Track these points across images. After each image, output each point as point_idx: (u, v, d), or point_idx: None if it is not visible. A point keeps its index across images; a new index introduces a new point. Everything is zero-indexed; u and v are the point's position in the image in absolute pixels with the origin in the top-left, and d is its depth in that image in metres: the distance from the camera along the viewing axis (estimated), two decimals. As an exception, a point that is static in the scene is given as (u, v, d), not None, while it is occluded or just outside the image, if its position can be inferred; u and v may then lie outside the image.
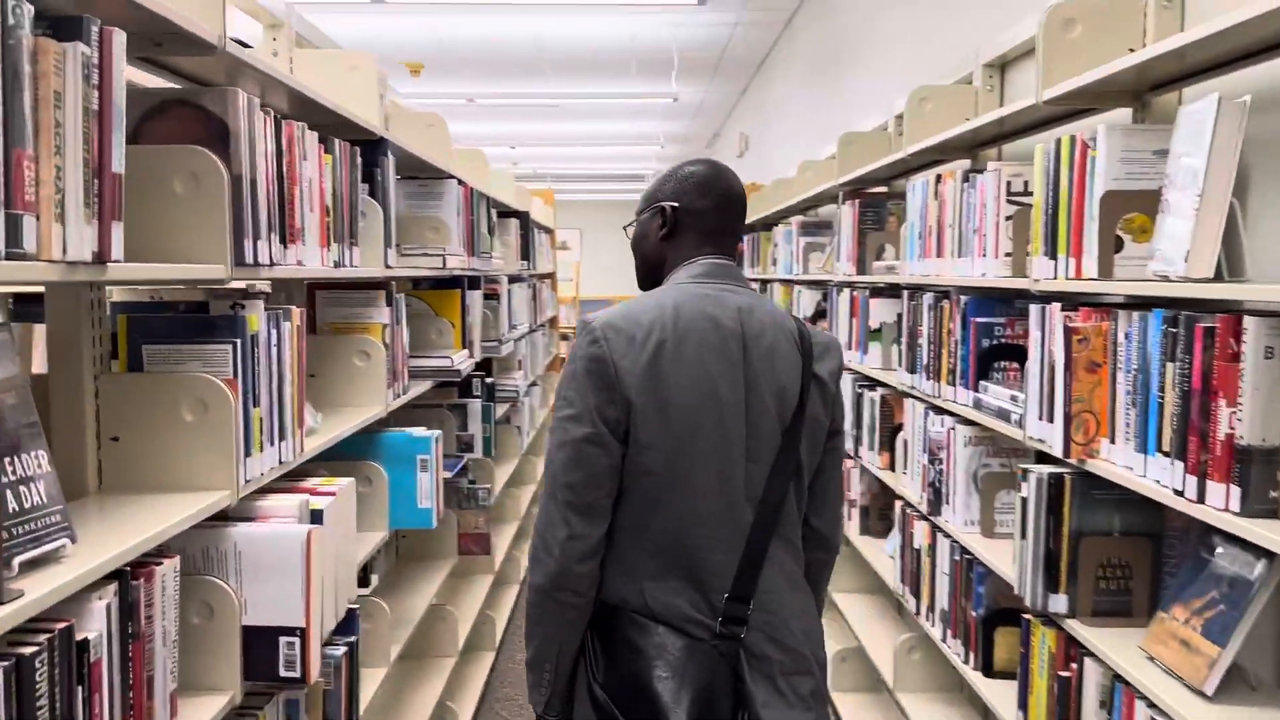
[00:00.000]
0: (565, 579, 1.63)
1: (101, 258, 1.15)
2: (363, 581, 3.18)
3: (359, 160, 2.32)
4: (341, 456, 2.50)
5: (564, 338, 9.52)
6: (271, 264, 1.74)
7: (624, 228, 1.91)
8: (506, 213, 5.18)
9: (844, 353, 2.09)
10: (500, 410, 4.60)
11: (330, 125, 2.43)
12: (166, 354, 1.60)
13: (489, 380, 3.67)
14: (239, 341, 1.60)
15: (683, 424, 1.62)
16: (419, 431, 2.60)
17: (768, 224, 5.80)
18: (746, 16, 7.08)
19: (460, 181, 3.55)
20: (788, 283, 5.04)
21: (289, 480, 1.97)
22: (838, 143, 3.85)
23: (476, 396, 3.53)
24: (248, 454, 1.63)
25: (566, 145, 12.65)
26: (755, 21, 7.22)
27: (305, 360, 1.90)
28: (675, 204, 1.77)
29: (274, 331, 1.75)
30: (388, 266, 2.55)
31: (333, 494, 1.88)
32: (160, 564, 1.37)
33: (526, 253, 5.39)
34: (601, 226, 17.63)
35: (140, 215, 1.54)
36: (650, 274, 1.82)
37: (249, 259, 1.61)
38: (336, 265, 2.15)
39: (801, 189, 4.73)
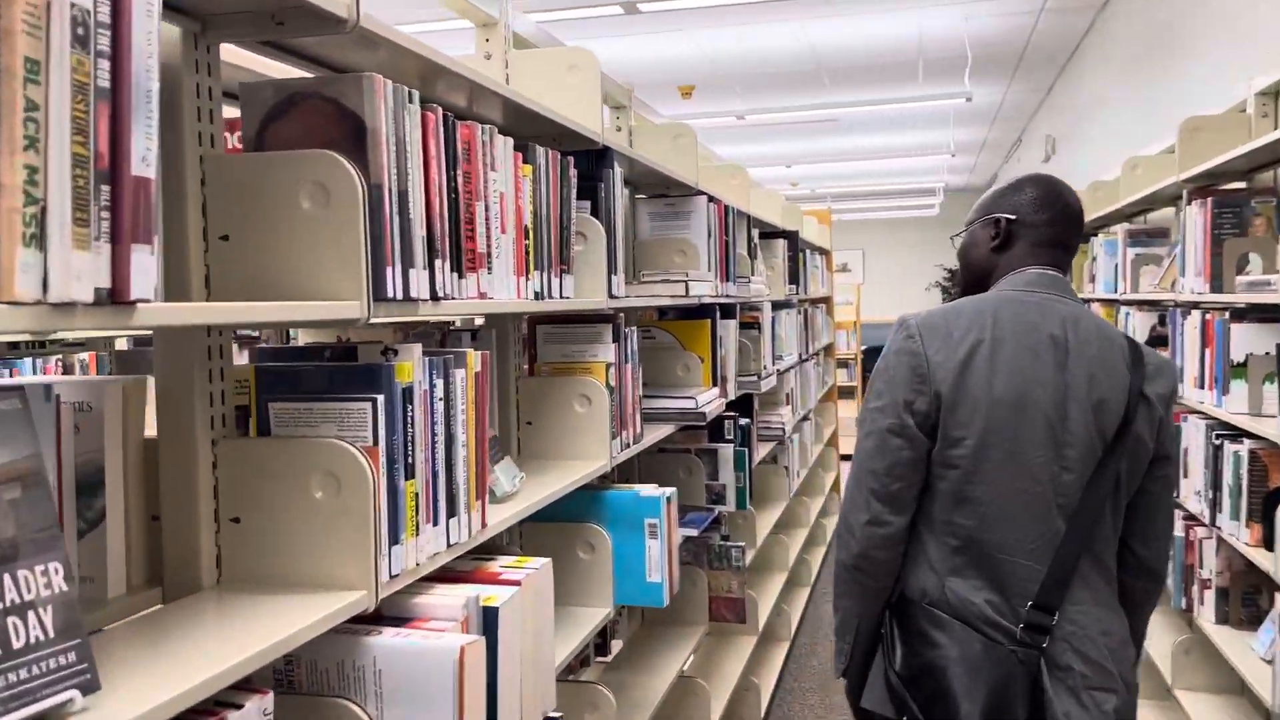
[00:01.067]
0: (863, 561, 1.70)
1: (117, 296, 0.81)
2: (601, 649, 2.83)
3: (571, 172, 1.96)
4: (558, 517, 2.14)
5: (842, 365, 8.91)
6: (435, 298, 1.39)
7: (951, 237, 1.96)
8: (772, 233, 4.73)
9: (1197, 392, 2.05)
10: (764, 450, 4.14)
11: (549, 136, 2.09)
12: (297, 414, 1.27)
13: (743, 422, 3.23)
14: (380, 398, 1.25)
15: (993, 422, 1.62)
16: (648, 490, 2.19)
17: (1084, 235, 4.98)
18: (1051, 3, 6.26)
19: (712, 199, 3.15)
20: (1111, 303, 4.23)
21: (471, 560, 1.61)
22: (1178, 131, 3.11)
23: (728, 440, 3.10)
24: (395, 541, 1.28)
25: (847, 161, 12.02)
26: (1062, 8, 6.37)
27: (486, 416, 1.54)
28: (1011, 216, 1.78)
29: (439, 383, 1.39)
30: (612, 296, 2.18)
31: (517, 583, 1.50)
32: (238, 709, 1.02)
33: (796, 276, 4.91)
34: (885, 246, 16.86)
35: (263, 239, 1.23)
36: (976, 283, 1.83)
37: (392, 291, 1.26)
38: (538, 297, 1.79)
39: (1128, 190, 3.95)
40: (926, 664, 1.62)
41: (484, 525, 1.53)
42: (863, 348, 9.67)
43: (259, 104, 1.26)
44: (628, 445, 2.28)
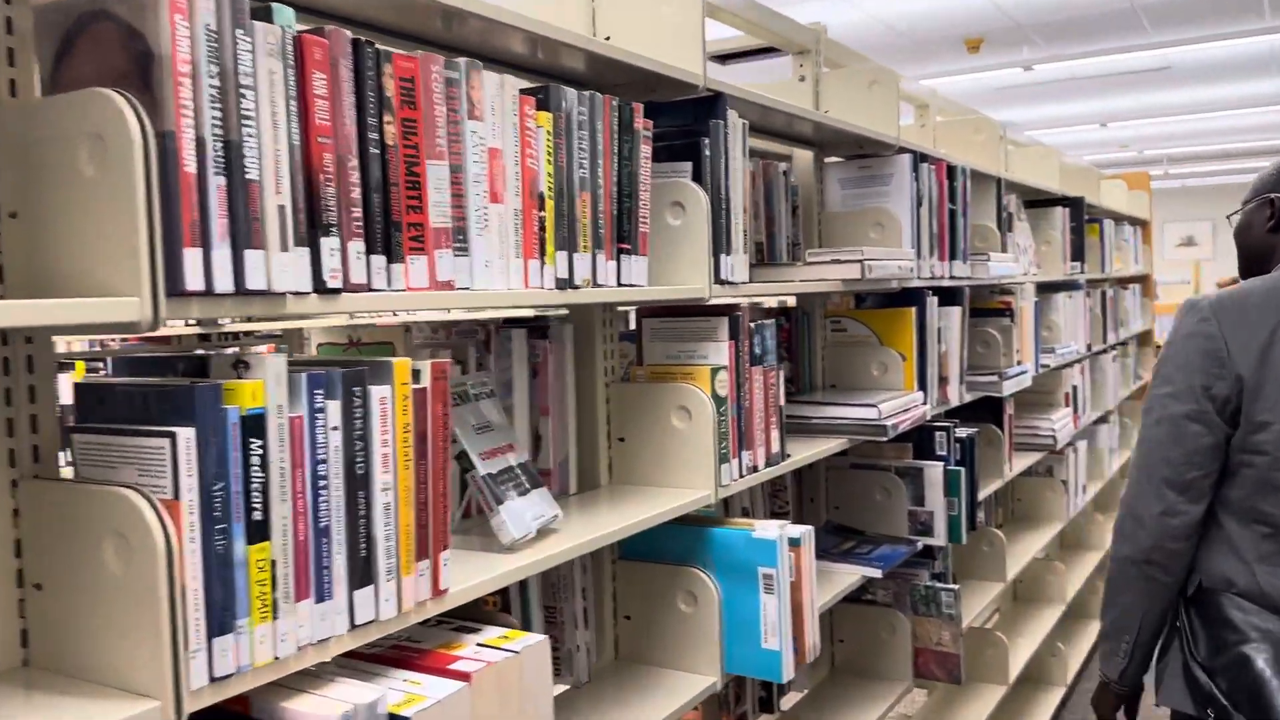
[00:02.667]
0: (1157, 554, 1.66)
1: None
2: (766, 704, 2.36)
3: (638, 123, 1.51)
4: (658, 555, 1.72)
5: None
6: (324, 290, 1.01)
7: (1227, 217, 1.96)
8: (1045, 201, 3.97)
9: None
10: (1025, 461, 3.44)
11: (640, 83, 1.66)
12: (99, 450, 0.95)
13: (964, 434, 2.61)
14: (187, 432, 0.89)
15: None
16: (765, 529, 1.71)
17: None
18: None
19: (924, 157, 2.56)
20: None
21: (448, 631, 1.23)
22: None
23: (940, 457, 2.50)
24: (223, 629, 0.92)
25: (1180, 115, 10.35)
26: None
27: (443, 447, 1.14)
28: None
29: (329, 407, 1.02)
30: (721, 282, 1.71)
31: (465, 677, 1.10)
32: None
33: (1081, 252, 4.10)
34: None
35: (48, 214, 0.91)
36: (1252, 266, 1.79)
37: (199, 283, 0.90)
38: (564, 285, 1.37)
39: None
40: (1236, 656, 1.58)
41: (437, 593, 1.14)
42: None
43: (50, 33, 0.94)
44: (753, 468, 1.80)
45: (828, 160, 2.57)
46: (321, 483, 1.01)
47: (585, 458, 1.74)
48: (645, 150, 1.53)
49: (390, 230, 1.10)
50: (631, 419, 1.73)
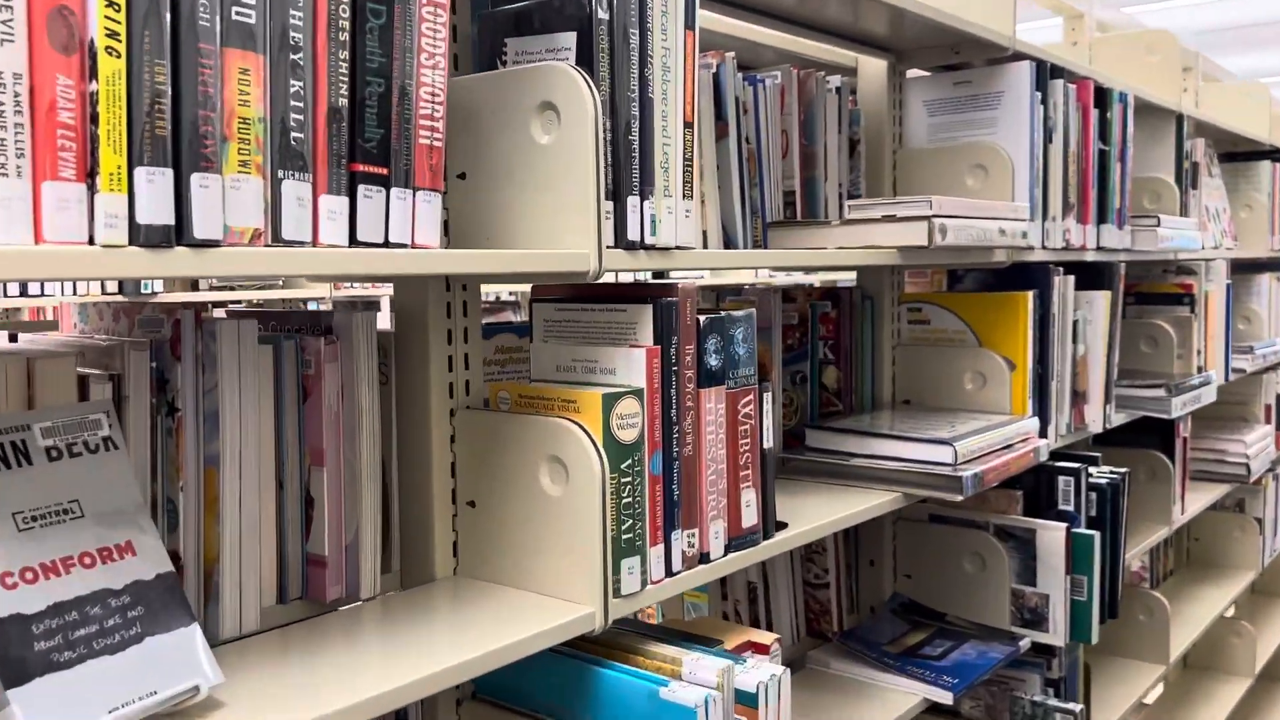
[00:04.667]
0: None
1: None
2: None
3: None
4: (521, 699, 1.03)
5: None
6: None
7: None
8: (1245, 154, 3.00)
9: None
10: (1209, 495, 2.56)
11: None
12: None
13: (1103, 479, 1.78)
14: None
15: None
16: (696, 671, 0.98)
17: None
18: None
19: (1057, 71, 1.74)
20: None
21: None
22: None
23: (1063, 514, 1.69)
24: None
25: None
26: None
27: None
28: None
29: None
30: (629, 244, 0.99)
31: None
32: None
33: (1297, 219, 3.11)
34: None
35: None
36: None
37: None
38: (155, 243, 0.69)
39: None
40: None
41: None
42: None
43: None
44: (698, 557, 1.07)
45: (909, 74, 1.77)
46: None
47: (411, 533, 1.06)
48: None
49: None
50: (487, 472, 1.04)
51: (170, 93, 0.65)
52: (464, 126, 1.01)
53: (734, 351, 1.12)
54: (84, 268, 0.62)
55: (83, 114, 0.62)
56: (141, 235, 0.64)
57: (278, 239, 0.73)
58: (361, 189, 0.77)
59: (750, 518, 1.14)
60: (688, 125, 1.04)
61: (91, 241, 0.63)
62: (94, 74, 0.62)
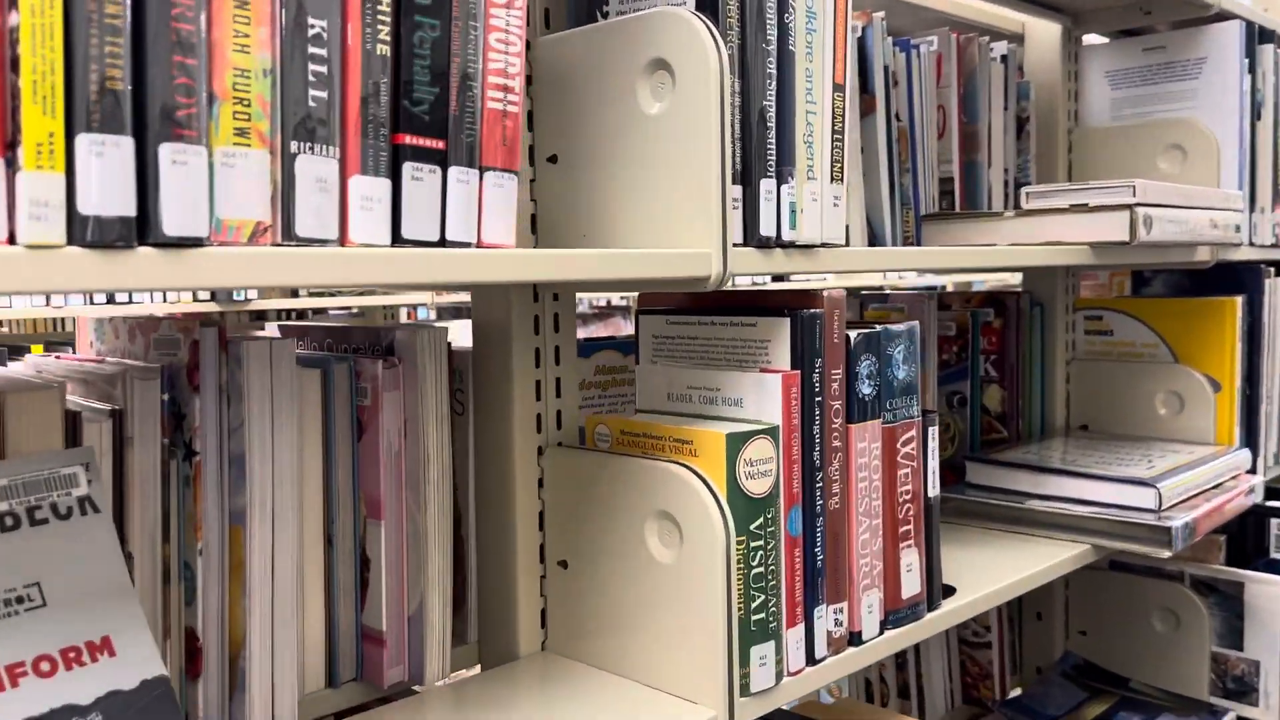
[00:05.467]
0: None
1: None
2: None
3: None
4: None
5: None
6: None
7: None
8: None
9: None
10: None
11: None
12: None
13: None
14: None
15: None
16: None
17: None
18: None
19: (1265, 34, 1.45)
20: None
21: None
22: None
23: (1277, 561, 1.40)
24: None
25: None
26: None
27: None
28: None
29: None
30: (763, 243, 0.77)
31: None
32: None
33: None
34: None
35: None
36: None
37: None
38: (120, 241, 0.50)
39: None
40: None
41: None
42: None
43: None
44: (848, 638, 0.85)
45: (1086, 40, 1.50)
46: None
47: (491, 598, 0.86)
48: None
49: None
50: (582, 525, 0.83)
51: (130, 29, 0.47)
52: (555, 97, 0.81)
53: (892, 376, 0.89)
54: None
55: (-3, 58, 0.44)
56: (86, 231, 0.46)
57: (290, 236, 0.53)
58: (408, 168, 0.58)
59: (912, 585, 0.91)
60: (838, 88, 0.82)
61: (11, 240, 0.45)
62: (14, 2, 0.44)
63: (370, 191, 0.56)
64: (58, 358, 0.79)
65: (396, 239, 0.58)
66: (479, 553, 0.88)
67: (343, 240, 0.56)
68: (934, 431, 0.94)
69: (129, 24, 0.47)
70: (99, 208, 0.46)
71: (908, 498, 0.91)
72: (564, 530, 0.85)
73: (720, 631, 0.74)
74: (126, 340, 0.78)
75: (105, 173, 0.46)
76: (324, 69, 0.54)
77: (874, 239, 1.17)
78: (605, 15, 0.81)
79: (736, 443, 0.76)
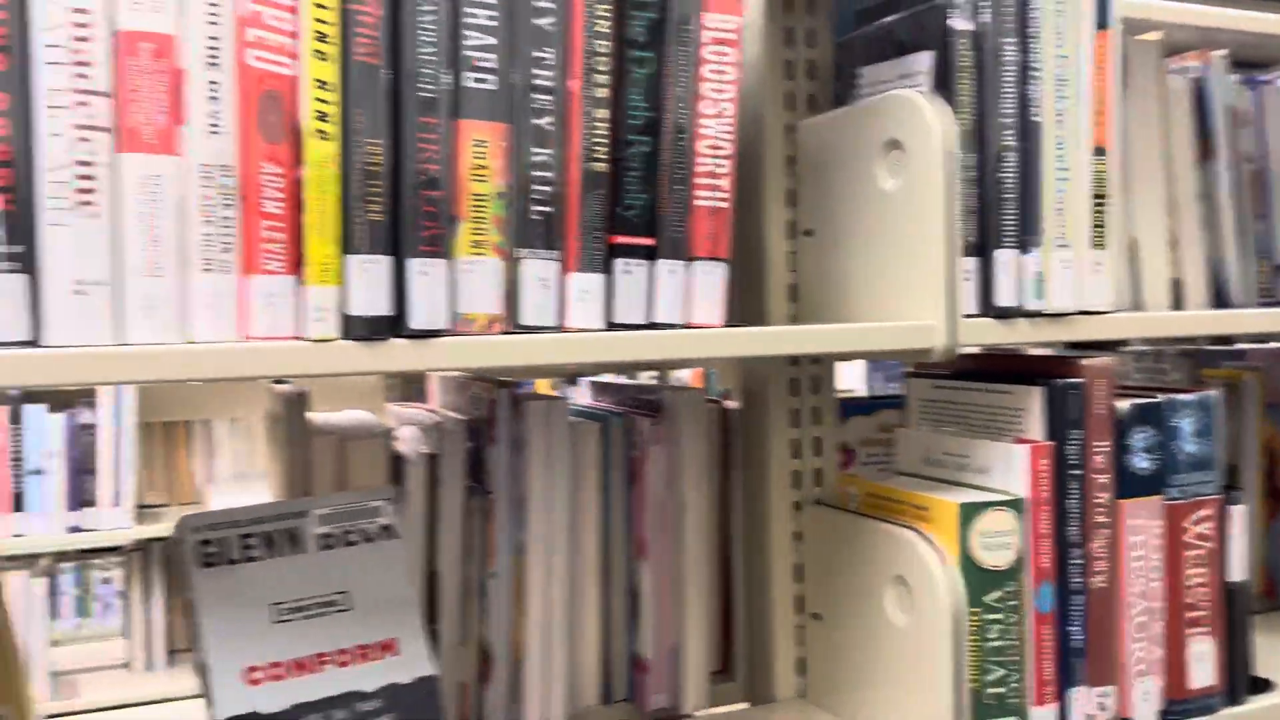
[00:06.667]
0: None
1: None
2: None
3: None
4: None
5: None
6: None
7: None
8: None
9: None
10: None
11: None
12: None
13: None
14: None
15: None
16: None
17: None
18: None
19: None
20: None
21: None
22: None
23: None
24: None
25: None
26: None
27: None
28: None
29: None
30: (995, 311, 0.77)
31: None
32: None
33: None
34: None
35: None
36: None
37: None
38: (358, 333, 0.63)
39: None
40: None
41: None
42: None
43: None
44: (1112, 729, 0.81)
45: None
46: None
47: (754, 642, 0.93)
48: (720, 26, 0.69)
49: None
50: (833, 581, 0.87)
51: (387, 174, 0.61)
52: (812, 175, 0.86)
53: (1177, 449, 0.83)
54: (292, 364, 0.59)
55: (291, 202, 0.60)
56: (353, 328, 0.60)
57: (517, 325, 0.65)
58: (620, 264, 0.67)
59: (1204, 675, 0.84)
60: (1098, 152, 0.79)
61: (299, 337, 0.60)
62: (301, 160, 0.59)
63: (586, 286, 0.66)
64: (404, 407, 0.98)
65: (611, 325, 0.67)
66: (746, 597, 0.94)
67: (561, 327, 0.66)
68: (1240, 511, 0.86)
69: (386, 171, 0.61)
70: (361, 309, 0.60)
71: (1201, 580, 0.84)
72: (819, 584, 0.89)
73: (947, 700, 0.75)
74: (456, 394, 0.96)
75: (369, 284, 0.60)
76: (548, 189, 0.65)
77: (1220, 295, 1.08)
78: (857, 98, 0.86)
79: (970, 512, 0.76)
